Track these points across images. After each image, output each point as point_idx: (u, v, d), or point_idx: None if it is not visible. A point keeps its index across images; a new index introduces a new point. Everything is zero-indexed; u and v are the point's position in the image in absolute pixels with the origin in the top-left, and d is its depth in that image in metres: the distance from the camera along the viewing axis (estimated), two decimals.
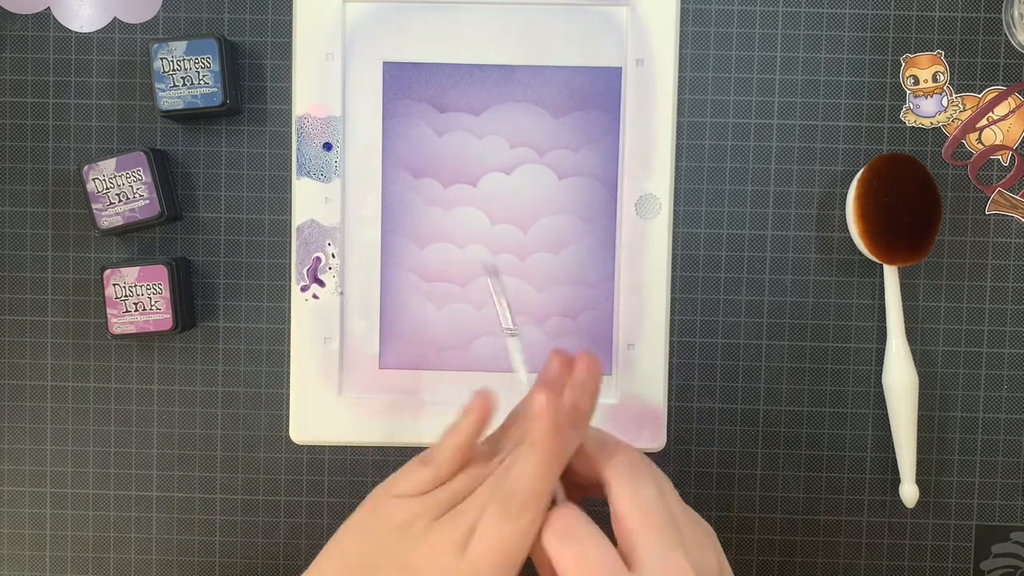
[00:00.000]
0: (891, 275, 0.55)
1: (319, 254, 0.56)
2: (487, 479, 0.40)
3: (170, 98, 0.54)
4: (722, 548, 0.41)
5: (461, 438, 0.41)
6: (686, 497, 0.57)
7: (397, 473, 0.42)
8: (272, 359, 0.57)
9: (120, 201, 0.54)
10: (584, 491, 0.42)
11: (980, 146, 0.56)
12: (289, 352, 0.57)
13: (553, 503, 0.39)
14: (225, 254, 0.57)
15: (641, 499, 0.39)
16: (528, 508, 0.38)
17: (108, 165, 0.54)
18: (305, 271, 0.56)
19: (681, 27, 0.56)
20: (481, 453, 0.42)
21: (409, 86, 0.56)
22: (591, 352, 0.42)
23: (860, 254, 0.56)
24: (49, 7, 0.56)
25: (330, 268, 0.56)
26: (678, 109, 0.56)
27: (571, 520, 0.38)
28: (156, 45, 0.54)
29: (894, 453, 0.56)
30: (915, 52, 0.56)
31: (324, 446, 0.57)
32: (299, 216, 0.56)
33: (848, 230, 0.56)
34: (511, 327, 0.47)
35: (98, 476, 0.58)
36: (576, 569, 0.37)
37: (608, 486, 0.40)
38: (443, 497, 0.40)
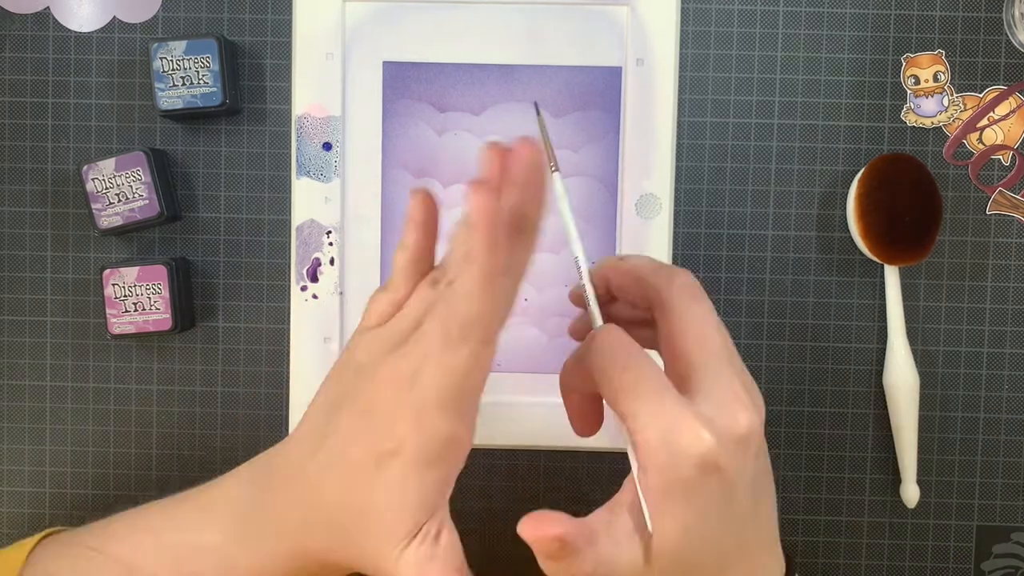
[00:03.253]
0: (892, 275, 0.55)
1: (318, 254, 0.56)
2: (438, 301, 0.36)
3: (169, 98, 0.54)
4: None
5: (408, 251, 0.38)
6: None
7: (365, 306, 0.39)
8: (272, 359, 0.57)
9: (119, 201, 0.54)
10: (626, 329, 0.38)
11: (981, 146, 0.56)
12: (289, 352, 0.57)
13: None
14: (225, 254, 0.57)
15: (702, 320, 0.36)
16: (471, 333, 0.34)
17: (107, 165, 0.54)
18: (305, 271, 0.56)
19: (681, 27, 0.56)
20: (437, 270, 0.38)
21: (409, 86, 0.56)
22: (530, 139, 0.35)
23: (861, 254, 0.56)
24: (48, 7, 0.56)
25: (330, 267, 0.56)
26: (678, 109, 0.56)
27: (618, 338, 0.36)
28: (155, 45, 0.54)
29: (895, 453, 0.56)
30: (916, 52, 0.56)
31: None
32: (299, 216, 0.56)
33: (849, 230, 0.56)
34: (555, 164, 0.42)
35: (98, 476, 0.58)
36: (626, 386, 0.35)
37: (663, 304, 0.37)
38: (397, 327, 0.37)
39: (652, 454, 0.34)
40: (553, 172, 0.41)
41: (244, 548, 0.40)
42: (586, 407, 0.41)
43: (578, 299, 0.41)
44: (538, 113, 0.42)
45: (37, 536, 0.47)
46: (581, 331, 0.42)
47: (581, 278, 0.40)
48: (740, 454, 0.34)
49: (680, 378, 0.36)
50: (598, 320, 0.39)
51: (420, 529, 0.36)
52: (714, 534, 0.35)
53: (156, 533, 0.43)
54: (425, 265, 0.39)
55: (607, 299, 0.41)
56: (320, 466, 0.38)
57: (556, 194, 0.41)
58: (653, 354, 0.38)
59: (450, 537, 0.37)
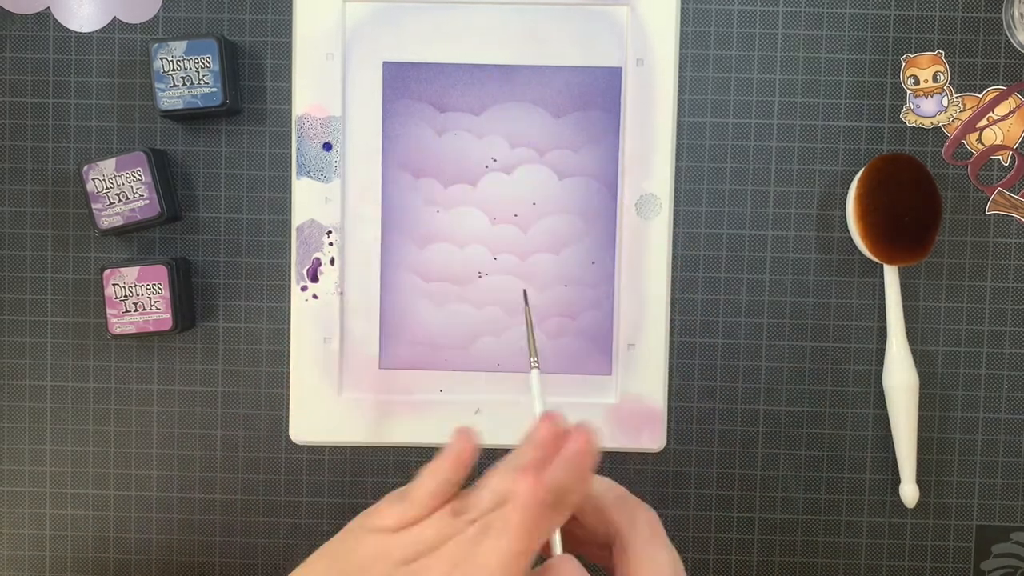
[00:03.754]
0: (891, 275, 0.55)
1: (318, 254, 0.56)
2: (456, 538, 0.38)
3: (170, 98, 0.54)
4: None
5: (439, 480, 0.39)
6: (686, 497, 0.57)
7: (375, 505, 0.40)
8: (272, 359, 0.57)
9: (120, 201, 0.54)
10: (582, 546, 0.40)
11: (980, 146, 0.56)
12: (289, 352, 0.57)
13: (542, 557, 0.38)
14: (225, 254, 0.57)
15: (658, 564, 0.38)
16: (505, 571, 0.36)
17: (108, 165, 0.54)
18: (305, 271, 0.56)
19: (681, 27, 0.56)
20: (461, 497, 0.40)
21: (409, 86, 0.56)
22: (588, 427, 0.38)
23: (860, 254, 0.56)
24: (49, 7, 0.56)
25: (330, 267, 0.56)
26: (678, 109, 0.56)
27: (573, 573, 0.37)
28: (156, 45, 0.54)
29: (894, 453, 0.56)
30: (915, 52, 0.56)
31: (324, 446, 0.57)
32: (299, 216, 0.56)
33: (848, 230, 0.56)
34: (535, 360, 0.45)
35: (98, 476, 0.58)
36: None
37: (622, 541, 0.38)
38: (410, 542, 0.38)
39: None
40: (533, 368, 0.44)
41: None
42: None
43: None
44: (526, 303, 0.45)
45: None
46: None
47: None
48: None
49: None
50: (557, 545, 0.39)
51: None
52: None
53: None
54: (449, 494, 0.40)
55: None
56: None
57: (532, 392, 0.43)
58: None
59: None
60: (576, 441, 0.37)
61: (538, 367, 0.44)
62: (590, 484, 0.39)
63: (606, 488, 0.40)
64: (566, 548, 0.39)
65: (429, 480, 0.39)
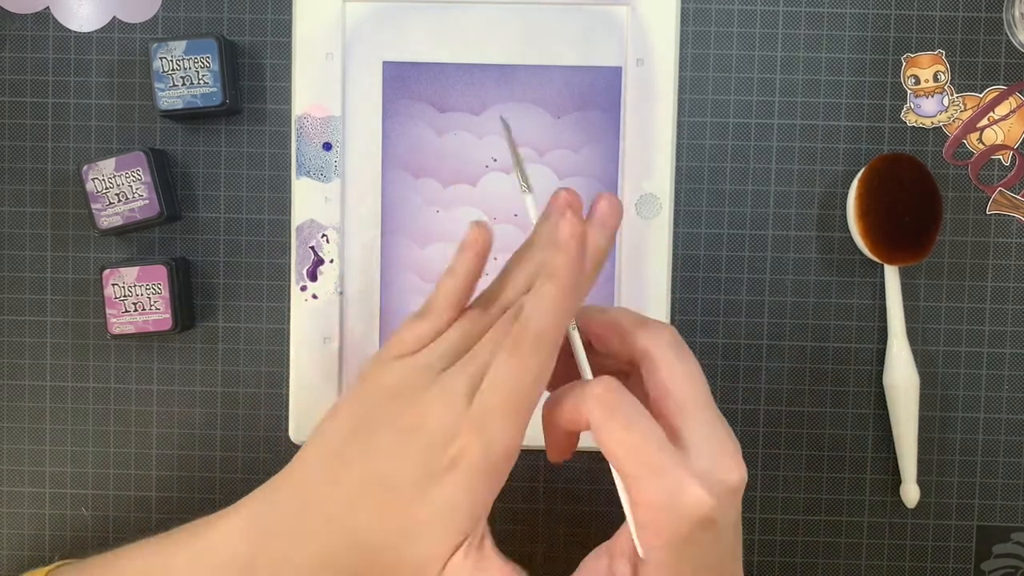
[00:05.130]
0: (892, 275, 0.55)
1: (319, 254, 0.56)
2: (492, 326, 0.37)
3: (169, 98, 0.54)
4: None
5: (459, 278, 0.38)
6: None
7: (394, 333, 0.39)
8: (272, 359, 0.57)
9: (119, 201, 0.54)
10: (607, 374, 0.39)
11: (981, 146, 0.56)
12: (289, 352, 0.57)
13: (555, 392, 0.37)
14: (225, 254, 0.57)
15: (690, 375, 0.37)
16: (542, 346, 0.35)
17: (107, 165, 0.54)
18: (305, 271, 0.56)
19: (681, 27, 0.56)
20: (480, 300, 0.39)
21: (409, 86, 0.56)
22: (610, 193, 0.39)
23: (861, 254, 0.56)
24: (48, 6, 0.56)
25: (330, 267, 0.56)
26: (678, 109, 0.56)
27: (616, 392, 0.36)
28: (155, 45, 0.54)
29: (895, 453, 0.56)
30: (916, 52, 0.56)
31: None
32: (299, 216, 0.56)
33: (849, 230, 0.56)
34: (526, 184, 0.41)
35: (98, 476, 0.58)
36: (626, 445, 0.35)
37: (650, 359, 0.38)
38: (443, 347, 0.37)
39: (655, 515, 0.36)
40: (525, 192, 0.41)
41: None
42: (564, 441, 0.41)
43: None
44: (507, 128, 0.42)
45: (45, 569, 0.47)
46: (561, 375, 0.40)
47: (568, 333, 0.40)
48: (731, 504, 0.37)
49: (673, 432, 0.37)
50: (587, 370, 0.39)
51: (464, 541, 0.36)
52: None
53: (168, 560, 0.42)
54: (466, 296, 0.39)
55: (585, 348, 0.41)
56: (349, 491, 0.37)
57: (529, 213, 0.41)
58: None
59: (492, 543, 0.37)
60: (604, 200, 0.39)
61: (530, 191, 0.41)
62: (613, 243, 0.39)
63: (623, 312, 0.40)
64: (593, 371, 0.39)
65: (448, 281, 0.38)
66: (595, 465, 0.57)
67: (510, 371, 0.35)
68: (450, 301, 0.38)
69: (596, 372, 0.39)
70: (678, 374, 0.37)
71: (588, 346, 0.40)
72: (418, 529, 0.36)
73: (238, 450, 0.57)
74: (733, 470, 0.37)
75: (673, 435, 0.37)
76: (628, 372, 0.40)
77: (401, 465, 0.36)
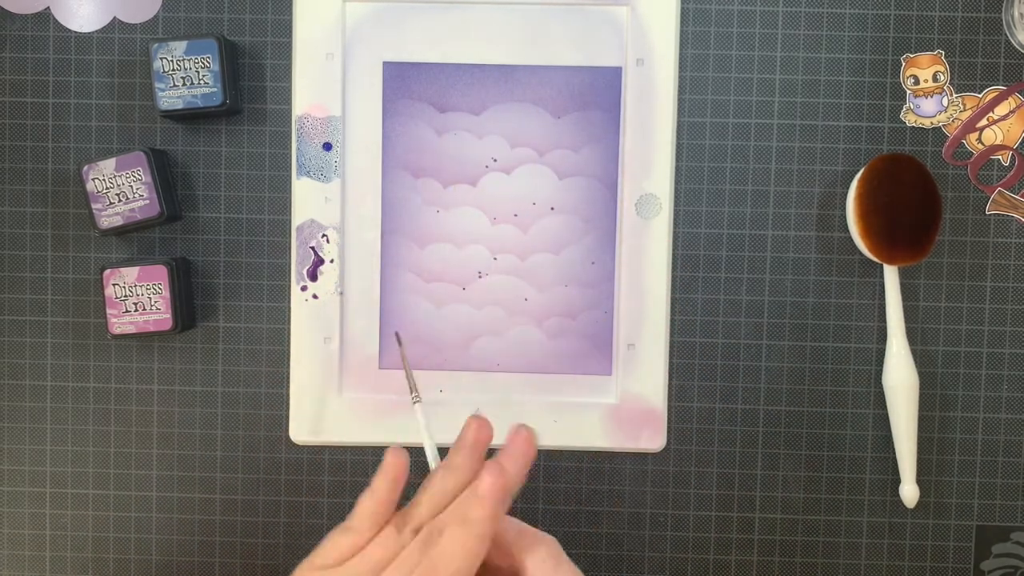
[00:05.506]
0: (891, 275, 0.55)
1: (319, 254, 0.56)
2: (406, 550, 0.39)
3: (170, 98, 0.54)
4: None
5: (376, 499, 0.41)
6: (686, 497, 0.57)
7: (319, 545, 0.41)
8: (272, 359, 0.57)
9: (120, 201, 0.54)
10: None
11: (980, 146, 0.56)
12: (289, 352, 0.57)
13: None
14: (225, 254, 0.57)
15: None
16: None
17: (108, 165, 0.54)
18: (305, 271, 0.56)
19: (681, 27, 0.56)
20: (400, 517, 0.41)
21: (409, 86, 0.56)
22: (526, 425, 0.42)
23: (860, 254, 0.56)
24: (49, 7, 0.56)
25: (330, 267, 0.56)
26: (678, 109, 0.56)
27: None
28: (156, 45, 0.54)
29: (894, 453, 0.56)
30: (915, 52, 0.56)
31: (324, 446, 0.57)
32: (299, 216, 0.56)
33: (848, 230, 0.56)
34: (416, 395, 0.46)
35: (98, 476, 0.58)
36: None
37: (527, 573, 0.40)
38: (359, 568, 0.39)
39: None
40: (415, 403, 0.46)
41: None
42: None
43: None
44: (399, 344, 0.49)
45: None
46: None
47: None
48: None
49: None
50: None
51: None
52: None
53: None
54: (387, 513, 0.41)
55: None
56: None
57: (419, 423, 0.45)
58: None
59: None
60: (519, 436, 0.42)
61: (419, 401, 0.46)
62: (523, 479, 0.42)
63: (505, 525, 0.42)
64: None
65: (367, 502, 0.41)
66: (595, 465, 0.57)
67: None
68: (372, 519, 0.40)
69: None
70: None
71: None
72: None
73: (238, 450, 0.57)
74: None
75: None
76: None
77: None
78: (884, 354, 0.56)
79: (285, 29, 0.56)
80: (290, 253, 0.56)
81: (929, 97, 0.56)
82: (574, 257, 0.56)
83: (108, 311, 0.54)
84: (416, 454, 0.44)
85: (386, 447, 0.42)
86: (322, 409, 0.57)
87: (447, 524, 0.38)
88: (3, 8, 0.56)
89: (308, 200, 0.56)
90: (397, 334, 0.53)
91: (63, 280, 0.57)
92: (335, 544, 0.40)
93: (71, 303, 0.57)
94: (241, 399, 0.57)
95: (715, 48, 0.56)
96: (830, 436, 0.57)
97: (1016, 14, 0.54)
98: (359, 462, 0.57)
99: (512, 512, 0.57)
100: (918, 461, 0.56)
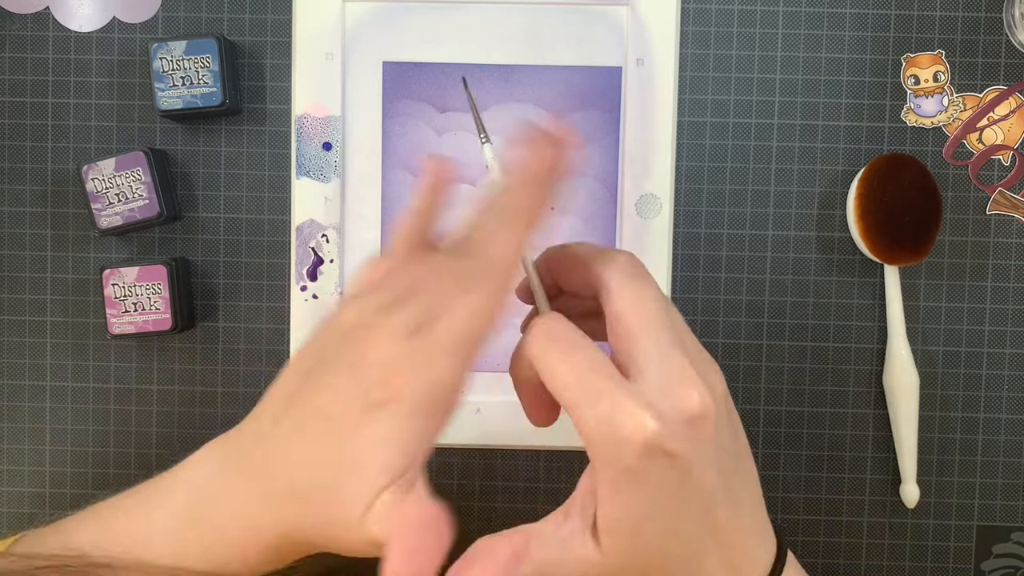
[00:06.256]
0: (892, 275, 0.55)
1: (319, 254, 0.56)
2: (434, 264, 0.35)
3: (169, 98, 0.54)
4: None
5: (414, 217, 0.37)
6: None
7: (356, 273, 0.37)
8: (272, 359, 0.57)
9: (119, 201, 0.54)
10: (573, 320, 0.37)
11: (981, 146, 0.56)
12: (289, 352, 0.57)
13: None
14: (225, 254, 0.57)
15: (642, 298, 0.35)
16: (492, 276, 0.33)
17: (107, 165, 0.54)
18: (305, 271, 0.56)
19: (681, 27, 0.56)
20: (446, 243, 0.37)
21: (409, 86, 0.56)
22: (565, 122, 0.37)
23: (861, 254, 0.56)
24: (48, 6, 0.56)
25: (330, 267, 0.56)
26: (678, 109, 0.56)
27: (558, 324, 0.34)
28: (155, 45, 0.54)
29: (895, 453, 0.56)
30: (916, 52, 0.56)
31: None
32: (299, 216, 0.56)
33: (849, 230, 0.56)
34: (485, 135, 0.41)
35: (98, 476, 0.58)
36: (565, 373, 0.33)
37: (605, 288, 0.35)
38: (394, 286, 0.35)
39: (594, 445, 0.33)
40: (484, 143, 0.40)
41: (194, 530, 0.37)
42: (539, 397, 0.38)
43: (526, 293, 0.39)
44: (466, 86, 0.44)
45: (11, 539, 0.46)
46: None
47: (526, 269, 0.38)
48: (693, 435, 0.33)
49: (626, 362, 0.34)
50: (543, 304, 0.38)
51: (396, 480, 0.33)
52: (672, 520, 0.34)
53: (109, 521, 0.40)
54: (425, 236, 0.38)
55: (554, 293, 0.40)
56: (289, 427, 0.35)
57: (489, 164, 0.40)
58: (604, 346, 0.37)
59: (424, 484, 0.34)
60: (562, 124, 0.36)
61: (490, 142, 0.41)
62: (571, 164, 0.36)
63: (585, 246, 0.38)
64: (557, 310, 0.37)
65: (403, 221, 0.37)
66: None
67: (456, 302, 0.33)
68: (407, 240, 0.37)
69: (566, 316, 0.37)
70: (628, 298, 0.35)
71: (559, 292, 0.39)
72: (350, 465, 0.33)
73: None
74: (689, 394, 0.33)
75: (628, 363, 0.34)
76: (598, 311, 0.37)
77: (339, 400, 0.34)
78: (884, 354, 0.56)
79: (285, 29, 0.56)
80: (290, 253, 0.56)
81: (929, 97, 0.56)
82: None
83: (107, 311, 0.54)
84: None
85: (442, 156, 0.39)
86: None
87: (486, 222, 0.34)
88: (3, 8, 0.56)
89: (308, 200, 0.56)
90: (464, 79, 0.48)
91: (63, 280, 0.57)
92: (371, 268, 0.37)
93: (70, 303, 0.57)
94: (241, 399, 0.57)
95: (715, 48, 0.56)
96: (830, 436, 0.57)
97: (1017, 14, 0.54)
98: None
99: (512, 512, 0.57)
100: (918, 461, 0.56)
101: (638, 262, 0.37)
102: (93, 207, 0.54)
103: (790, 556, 0.39)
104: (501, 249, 0.34)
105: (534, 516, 0.57)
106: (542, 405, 0.39)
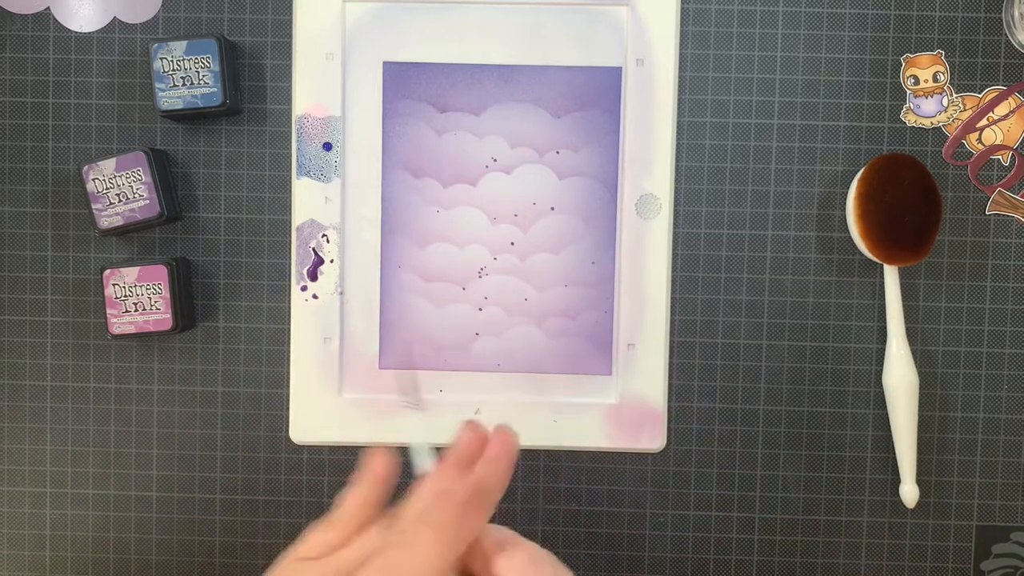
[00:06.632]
0: (891, 275, 0.55)
1: (319, 254, 0.56)
2: (384, 548, 0.38)
3: (170, 98, 0.54)
4: None
5: (358, 499, 0.40)
6: (686, 497, 0.57)
7: (302, 536, 0.41)
8: (272, 359, 0.57)
9: (120, 201, 0.54)
10: None
11: (980, 146, 0.56)
12: (289, 352, 0.57)
13: None
14: (225, 254, 0.57)
15: None
16: (420, 569, 0.37)
17: (108, 165, 0.54)
18: (305, 271, 0.56)
19: (681, 27, 0.56)
20: (389, 516, 0.41)
21: (409, 86, 0.56)
22: (508, 428, 0.41)
23: (860, 254, 0.56)
24: (49, 7, 0.56)
25: (330, 267, 0.56)
26: (678, 109, 0.56)
27: None
28: (156, 45, 0.54)
29: (894, 453, 0.56)
30: (915, 52, 0.56)
31: (324, 446, 0.57)
32: (299, 216, 0.56)
33: (848, 230, 0.56)
34: (412, 401, 0.46)
35: (98, 476, 0.58)
36: None
37: None
38: (336, 564, 0.39)
39: None
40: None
41: None
42: None
43: None
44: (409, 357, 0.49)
45: None
46: None
47: None
48: None
49: None
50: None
51: None
52: None
53: None
54: (374, 511, 0.40)
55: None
56: None
57: (415, 448, 0.43)
58: None
59: None
60: (497, 442, 0.40)
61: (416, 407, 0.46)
62: (508, 477, 0.40)
63: (489, 533, 0.40)
64: None
65: (350, 501, 0.41)
66: (595, 465, 0.57)
67: None
68: (350, 517, 0.40)
69: None
70: None
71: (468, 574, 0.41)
72: None
73: (238, 450, 0.57)
74: None
75: None
76: None
77: None
78: (884, 354, 0.56)
79: (285, 29, 0.56)
80: (290, 253, 0.56)
81: (929, 97, 0.56)
82: (574, 257, 0.56)
83: (108, 311, 0.54)
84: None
85: (386, 447, 0.42)
86: (322, 409, 0.57)
87: (415, 523, 0.38)
88: (3, 8, 0.56)
89: (308, 200, 0.56)
90: (409, 347, 0.53)
91: (63, 280, 0.57)
92: (317, 538, 0.40)
93: (71, 303, 0.57)
94: (241, 399, 0.57)
95: (715, 48, 0.56)
96: (830, 436, 0.57)
97: (1016, 14, 0.54)
98: (359, 462, 0.57)
99: (512, 512, 0.57)
100: (918, 461, 0.56)
101: (538, 556, 0.39)
102: (94, 207, 0.54)
103: None
104: (423, 561, 0.37)
105: (534, 516, 0.57)
106: None
